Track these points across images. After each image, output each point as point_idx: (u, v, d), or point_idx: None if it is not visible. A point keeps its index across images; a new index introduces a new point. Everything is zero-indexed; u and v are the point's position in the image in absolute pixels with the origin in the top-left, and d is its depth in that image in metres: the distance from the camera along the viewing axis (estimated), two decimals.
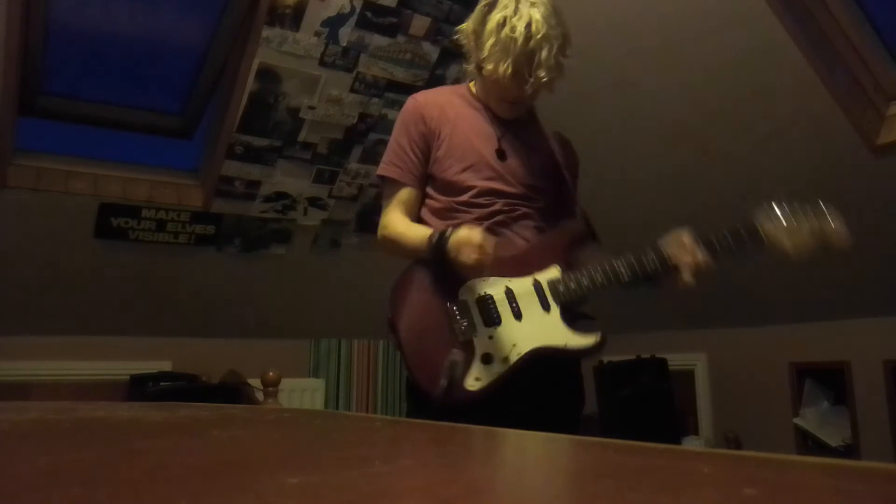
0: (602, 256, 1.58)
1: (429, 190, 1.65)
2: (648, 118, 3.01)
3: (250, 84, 2.95)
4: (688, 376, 3.58)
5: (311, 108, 3.10)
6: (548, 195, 1.67)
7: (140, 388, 3.09)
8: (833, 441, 3.00)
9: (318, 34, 2.89)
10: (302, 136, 3.19)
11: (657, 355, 3.50)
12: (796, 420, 3.12)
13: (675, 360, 3.53)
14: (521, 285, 1.53)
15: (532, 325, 1.50)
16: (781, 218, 1.46)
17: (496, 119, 1.66)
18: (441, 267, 1.50)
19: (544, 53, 1.48)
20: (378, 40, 2.99)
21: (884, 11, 2.49)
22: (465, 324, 1.49)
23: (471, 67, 1.65)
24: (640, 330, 3.75)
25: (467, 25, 1.60)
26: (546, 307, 1.51)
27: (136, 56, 3.08)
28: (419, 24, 2.98)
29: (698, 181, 3.07)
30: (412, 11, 2.95)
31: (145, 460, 0.56)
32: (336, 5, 2.84)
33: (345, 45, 2.95)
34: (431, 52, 3.09)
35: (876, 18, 2.49)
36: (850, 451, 2.94)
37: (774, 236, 1.45)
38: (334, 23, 2.88)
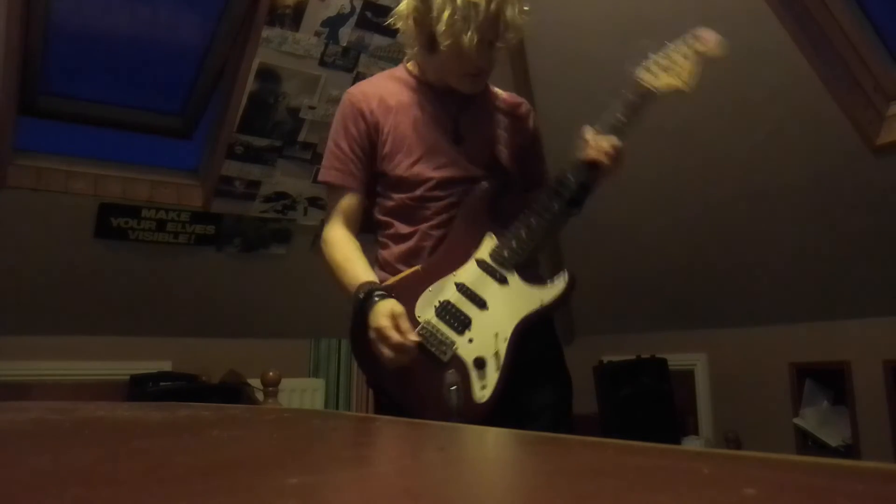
0: (526, 199, 1.50)
1: (379, 189, 1.53)
2: (648, 118, 3.01)
3: (250, 84, 2.95)
4: (688, 376, 3.58)
5: (311, 108, 3.10)
6: (512, 171, 1.56)
7: (140, 388, 3.09)
8: (833, 441, 3.00)
9: (318, 34, 2.89)
10: (302, 136, 3.19)
11: (657, 355, 3.49)
12: (796, 420, 3.12)
13: (675, 360, 3.53)
14: (468, 273, 1.43)
15: (500, 305, 1.40)
16: (656, 62, 1.47)
17: (446, 99, 1.52)
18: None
19: (509, 12, 1.36)
20: (378, 40, 2.99)
21: (884, 11, 2.49)
22: (441, 345, 1.38)
23: (413, 50, 1.51)
24: (640, 330, 3.75)
25: (405, 5, 1.45)
26: (503, 280, 1.42)
27: (135, 56, 3.08)
28: None
29: (698, 181, 3.07)
30: None
31: (145, 460, 0.56)
32: (336, 5, 2.84)
33: (345, 45, 2.95)
34: None
35: (876, 18, 2.49)
36: (850, 451, 2.94)
37: (659, 82, 1.45)
38: (334, 23, 2.88)
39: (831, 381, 3.09)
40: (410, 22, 1.45)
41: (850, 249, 2.81)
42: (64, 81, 2.99)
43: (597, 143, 1.42)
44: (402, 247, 1.50)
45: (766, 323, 3.27)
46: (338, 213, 1.53)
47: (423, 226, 1.48)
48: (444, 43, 1.39)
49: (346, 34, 2.92)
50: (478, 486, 0.46)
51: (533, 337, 1.42)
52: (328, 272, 1.53)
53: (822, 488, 0.42)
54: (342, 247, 1.51)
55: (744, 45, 2.61)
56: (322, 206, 3.44)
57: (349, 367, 3.93)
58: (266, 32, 2.82)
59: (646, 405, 3.34)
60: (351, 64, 3.03)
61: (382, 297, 1.38)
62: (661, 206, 3.24)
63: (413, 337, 1.35)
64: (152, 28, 3.00)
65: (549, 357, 1.54)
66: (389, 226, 1.53)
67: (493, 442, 0.75)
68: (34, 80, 2.85)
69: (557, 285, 1.42)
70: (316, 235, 3.53)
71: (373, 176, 1.53)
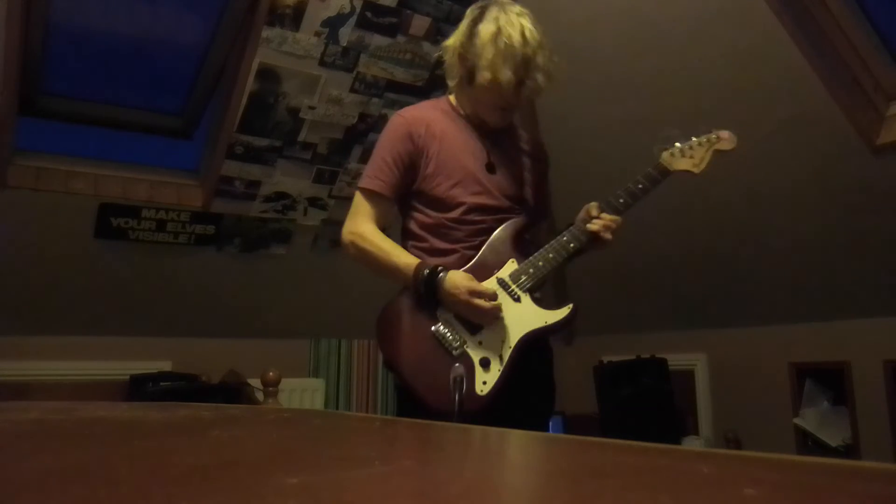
0: (547, 236, 1.74)
1: (416, 204, 1.70)
2: (648, 118, 3.01)
3: (250, 84, 2.95)
4: (688, 376, 3.58)
5: (311, 108, 3.10)
6: (530, 202, 1.76)
7: (140, 388, 3.09)
8: (833, 441, 3.00)
9: (318, 34, 2.89)
10: (302, 136, 3.19)
11: (657, 355, 3.49)
12: (796, 420, 3.12)
13: (675, 360, 3.53)
14: (489, 287, 1.61)
15: (511, 318, 1.60)
16: (680, 149, 1.72)
17: (481, 132, 1.72)
18: (419, 296, 1.59)
19: (541, 59, 1.58)
20: (378, 40, 2.99)
21: (884, 11, 2.49)
22: (454, 341, 1.57)
23: (454, 82, 1.72)
24: (640, 330, 3.75)
25: (453, 41, 1.67)
26: (516, 298, 1.61)
27: (135, 56, 3.08)
28: (419, 24, 2.99)
29: (698, 181, 3.06)
30: (412, 11, 2.95)
31: (145, 460, 0.56)
32: (336, 5, 2.84)
33: (345, 45, 2.95)
34: (431, 52, 3.09)
35: (876, 18, 2.49)
36: (850, 451, 2.94)
37: (676, 165, 1.71)
38: (334, 23, 2.88)
39: (831, 381, 3.09)
40: (456, 56, 1.66)
41: (850, 249, 2.81)
42: (64, 81, 2.99)
43: (603, 220, 1.64)
44: (437, 260, 1.64)
45: (766, 323, 3.27)
46: (370, 215, 1.70)
47: (458, 246, 1.66)
48: (483, 77, 1.59)
49: (346, 34, 2.92)
50: (478, 486, 0.46)
51: (530, 350, 1.61)
52: (364, 258, 1.67)
53: (822, 488, 0.42)
54: (382, 237, 1.68)
55: (744, 46, 2.61)
56: (322, 205, 3.44)
57: (349, 367, 3.94)
58: (266, 32, 2.82)
59: (646, 405, 3.33)
60: (351, 64, 3.03)
61: (445, 270, 1.58)
62: (660, 206, 3.24)
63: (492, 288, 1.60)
64: (152, 28, 2.99)
65: (540, 372, 1.71)
66: (424, 240, 1.69)
67: (493, 442, 0.75)
68: (34, 80, 2.85)
69: (562, 312, 1.63)
70: (317, 235, 3.53)
71: (409, 191, 1.71)
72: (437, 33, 3.02)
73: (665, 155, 1.72)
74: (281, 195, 3.34)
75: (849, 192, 2.69)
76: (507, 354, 1.57)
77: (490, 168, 1.70)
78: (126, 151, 3.19)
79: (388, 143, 1.70)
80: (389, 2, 2.89)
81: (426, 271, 1.57)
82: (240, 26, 2.90)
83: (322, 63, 2.98)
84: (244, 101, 2.99)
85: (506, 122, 1.74)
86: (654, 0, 2.76)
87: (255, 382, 3.05)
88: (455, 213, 1.66)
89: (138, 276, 3.26)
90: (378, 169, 1.69)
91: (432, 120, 1.71)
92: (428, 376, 1.56)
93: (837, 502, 0.38)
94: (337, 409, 3.83)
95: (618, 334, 3.82)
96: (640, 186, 1.67)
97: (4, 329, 3.04)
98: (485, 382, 1.54)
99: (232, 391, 3.10)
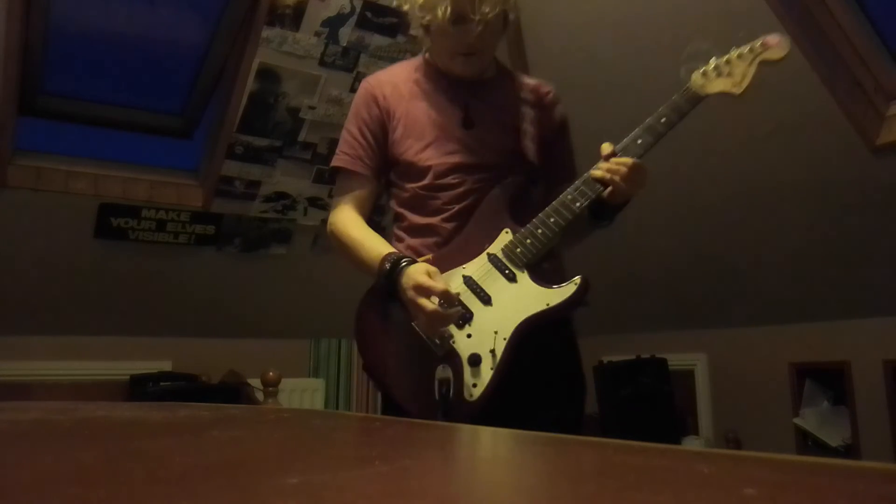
0: (551, 196, 1.44)
1: (393, 179, 1.52)
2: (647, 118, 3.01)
3: (250, 84, 2.95)
4: (688, 376, 3.58)
5: (311, 108, 3.11)
6: (533, 161, 1.50)
7: (140, 388, 3.09)
8: (833, 441, 3.00)
9: (318, 34, 2.89)
10: (302, 136, 3.19)
11: (657, 355, 3.49)
12: (796, 420, 3.12)
13: (675, 360, 3.53)
14: (478, 267, 1.37)
15: (505, 302, 1.33)
16: (716, 67, 1.40)
17: (460, 85, 1.50)
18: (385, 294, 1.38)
19: None
20: (378, 40, 2.99)
21: (884, 11, 2.49)
22: (438, 338, 1.33)
23: (419, 33, 1.50)
24: (640, 330, 3.75)
25: None
26: (512, 278, 1.35)
27: (136, 56, 3.08)
28: None
29: (698, 181, 3.06)
30: None
31: (145, 460, 0.56)
32: (336, 5, 2.84)
33: (345, 45, 2.95)
34: None
35: (876, 18, 2.49)
36: (850, 451, 2.94)
37: (710, 87, 1.40)
38: (334, 23, 2.88)
39: (831, 381, 3.09)
40: (410, 6, 1.46)
41: (849, 249, 2.81)
42: (64, 81, 2.99)
43: (609, 163, 1.38)
44: (416, 241, 1.47)
45: (766, 323, 3.27)
46: (348, 198, 1.52)
47: (436, 219, 1.45)
48: (425, 19, 1.41)
49: (346, 34, 2.93)
50: (478, 486, 0.46)
51: (548, 340, 1.37)
52: (341, 251, 1.50)
53: (822, 488, 0.42)
54: (357, 224, 1.48)
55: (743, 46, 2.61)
56: (322, 205, 3.44)
57: (349, 367, 3.94)
58: (266, 32, 2.82)
59: (646, 405, 3.34)
60: (351, 64, 3.03)
61: (411, 262, 1.35)
62: (660, 205, 3.24)
63: (454, 288, 1.32)
64: (152, 28, 2.99)
65: (564, 364, 1.48)
66: (403, 218, 1.50)
67: (493, 442, 0.75)
68: (34, 80, 2.85)
69: (567, 288, 1.33)
70: (317, 235, 3.53)
71: (386, 164, 1.52)
72: None
73: (696, 76, 1.40)
74: (281, 195, 3.34)
75: (849, 192, 2.69)
76: (500, 348, 1.29)
77: (467, 124, 1.46)
78: (126, 151, 3.20)
79: (353, 114, 1.52)
80: (389, 2, 2.89)
81: (388, 265, 1.35)
82: (240, 26, 2.90)
83: (322, 63, 2.98)
84: (244, 101, 2.99)
85: (474, 70, 1.49)
86: (655, 2, 2.76)
87: (255, 382, 3.06)
88: (428, 180, 1.44)
89: (138, 276, 3.26)
90: (344, 142, 1.52)
91: (401, 79, 1.52)
92: (409, 380, 1.35)
93: (837, 502, 0.38)
94: (337, 409, 3.83)
95: (618, 334, 3.82)
96: (664, 120, 1.39)
97: (4, 329, 3.04)
98: (475, 385, 1.29)
99: (232, 391, 3.10)
